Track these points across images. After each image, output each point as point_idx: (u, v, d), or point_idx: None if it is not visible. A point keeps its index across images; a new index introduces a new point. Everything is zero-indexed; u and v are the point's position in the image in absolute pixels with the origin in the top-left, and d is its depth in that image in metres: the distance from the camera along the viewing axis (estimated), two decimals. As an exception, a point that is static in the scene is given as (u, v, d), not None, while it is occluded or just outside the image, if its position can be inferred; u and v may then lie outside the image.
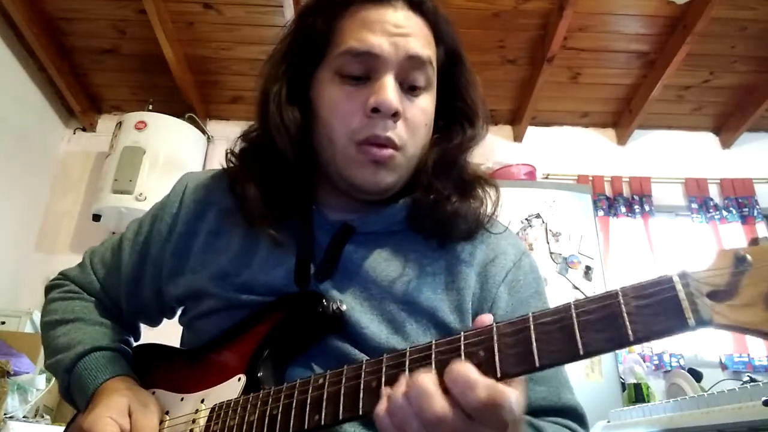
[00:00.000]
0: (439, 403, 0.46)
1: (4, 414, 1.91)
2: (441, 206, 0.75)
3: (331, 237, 0.75)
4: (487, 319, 0.52)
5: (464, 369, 0.46)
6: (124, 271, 0.86)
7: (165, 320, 0.93)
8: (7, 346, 2.10)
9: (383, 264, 0.75)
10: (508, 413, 0.46)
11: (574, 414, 0.73)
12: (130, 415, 0.69)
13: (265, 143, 0.77)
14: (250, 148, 0.82)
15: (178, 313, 0.87)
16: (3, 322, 2.50)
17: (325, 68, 0.74)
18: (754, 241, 0.42)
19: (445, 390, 0.47)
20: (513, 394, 0.46)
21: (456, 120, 0.80)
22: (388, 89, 0.69)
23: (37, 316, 2.57)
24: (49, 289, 0.91)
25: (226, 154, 0.82)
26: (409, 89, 0.73)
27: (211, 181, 0.86)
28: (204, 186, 0.85)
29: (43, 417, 2.20)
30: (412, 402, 0.47)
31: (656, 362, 2.93)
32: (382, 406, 0.49)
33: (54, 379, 2.23)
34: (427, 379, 0.48)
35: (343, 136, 0.72)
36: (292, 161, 0.74)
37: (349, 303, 0.71)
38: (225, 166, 0.83)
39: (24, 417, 2.05)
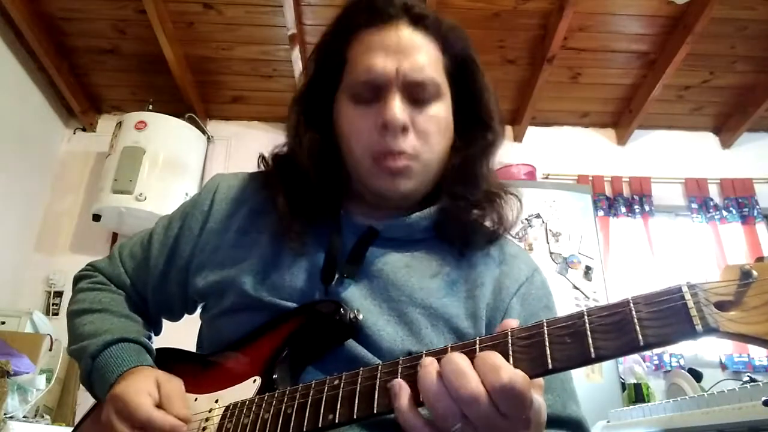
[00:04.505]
0: (475, 382, 0.47)
1: (4, 414, 1.91)
2: (464, 213, 0.79)
3: (356, 239, 0.79)
4: (513, 323, 0.53)
5: (491, 354, 0.48)
6: (153, 264, 0.88)
7: (167, 324, 0.95)
8: (7, 346, 2.10)
9: (404, 269, 0.78)
10: (533, 411, 0.48)
11: (578, 427, 0.74)
12: (158, 388, 0.71)
13: (291, 159, 0.84)
14: (281, 157, 0.87)
15: (199, 309, 0.90)
16: (3, 322, 2.49)
17: (342, 92, 0.81)
18: (760, 259, 0.45)
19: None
20: (535, 397, 0.48)
21: (474, 125, 0.83)
22: (395, 107, 0.74)
23: (37, 316, 2.57)
24: (77, 279, 0.93)
25: (259, 157, 0.88)
26: (418, 101, 0.77)
27: (242, 181, 0.90)
28: (236, 186, 0.89)
29: (43, 417, 2.20)
30: (448, 381, 0.48)
31: (656, 362, 2.93)
32: (404, 389, 0.51)
33: (53, 379, 2.24)
34: (462, 359, 0.49)
35: (361, 152, 0.78)
36: (312, 175, 0.80)
37: (368, 304, 0.74)
38: (257, 169, 0.89)
39: (24, 417, 2.05)
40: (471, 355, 0.50)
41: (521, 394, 0.47)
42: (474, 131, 0.82)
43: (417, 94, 0.76)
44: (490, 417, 0.47)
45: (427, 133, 0.77)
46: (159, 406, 0.68)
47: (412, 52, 0.76)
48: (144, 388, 0.69)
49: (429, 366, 0.50)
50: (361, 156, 0.77)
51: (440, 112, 0.79)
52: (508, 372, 0.47)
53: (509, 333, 0.51)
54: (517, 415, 0.48)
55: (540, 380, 0.52)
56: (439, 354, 0.53)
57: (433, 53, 0.79)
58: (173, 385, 0.71)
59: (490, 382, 0.47)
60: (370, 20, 0.78)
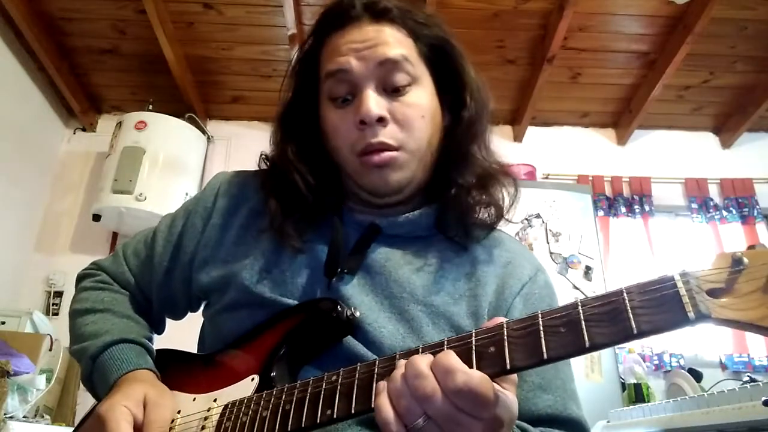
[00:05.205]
0: (430, 383, 0.49)
1: (4, 414, 1.91)
2: (459, 198, 0.79)
3: (359, 235, 0.80)
4: (499, 319, 0.54)
5: (447, 356, 0.50)
6: (157, 261, 0.89)
7: (169, 323, 0.95)
8: (7, 346, 2.10)
9: (406, 266, 0.78)
10: (500, 408, 0.49)
11: (578, 428, 0.74)
12: (144, 406, 0.70)
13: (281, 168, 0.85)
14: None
15: (201, 307, 0.90)
16: (3, 322, 2.50)
17: (322, 97, 0.82)
18: (752, 246, 0.45)
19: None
20: (502, 393, 0.49)
21: (459, 108, 0.83)
22: (368, 101, 0.75)
23: (37, 316, 2.57)
24: (81, 278, 0.93)
25: (261, 155, 0.89)
26: (394, 91, 0.77)
27: (244, 179, 0.91)
28: (238, 183, 0.90)
29: (43, 417, 2.20)
30: (408, 381, 0.50)
31: (656, 362, 2.93)
32: (381, 386, 0.53)
33: (53, 379, 2.24)
34: (422, 360, 0.51)
35: (347, 153, 0.78)
36: (301, 186, 0.81)
37: (369, 300, 0.74)
38: (258, 167, 0.89)
39: (24, 417, 2.05)
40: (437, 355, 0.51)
41: (480, 394, 0.48)
42: (459, 114, 0.82)
43: (391, 83, 0.77)
44: (451, 415, 0.49)
45: (407, 121, 0.77)
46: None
47: (378, 43, 0.77)
48: (127, 410, 0.68)
49: (400, 368, 0.52)
50: (347, 156, 0.78)
51: (419, 98, 0.78)
52: (462, 375, 0.48)
53: (504, 325, 0.51)
54: (481, 414, 0.49)
55: (513, 375, 0.53)
56: (434, 348, 0.53)
57: (403, 40, 0.79)
58: (158, 412, 0.70)
59: (446, 385, 0.48)
60: (337, 24, 0.80)
